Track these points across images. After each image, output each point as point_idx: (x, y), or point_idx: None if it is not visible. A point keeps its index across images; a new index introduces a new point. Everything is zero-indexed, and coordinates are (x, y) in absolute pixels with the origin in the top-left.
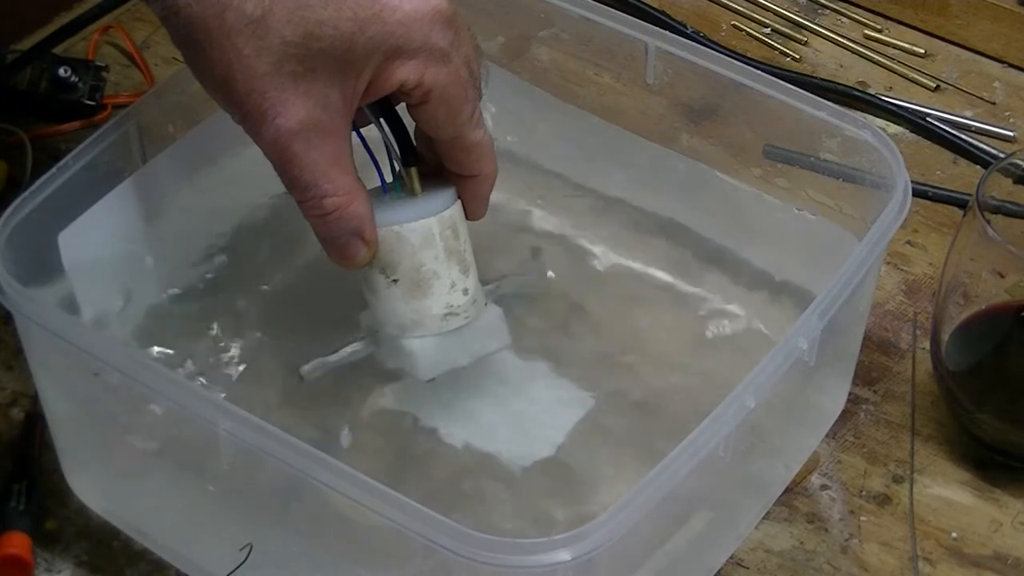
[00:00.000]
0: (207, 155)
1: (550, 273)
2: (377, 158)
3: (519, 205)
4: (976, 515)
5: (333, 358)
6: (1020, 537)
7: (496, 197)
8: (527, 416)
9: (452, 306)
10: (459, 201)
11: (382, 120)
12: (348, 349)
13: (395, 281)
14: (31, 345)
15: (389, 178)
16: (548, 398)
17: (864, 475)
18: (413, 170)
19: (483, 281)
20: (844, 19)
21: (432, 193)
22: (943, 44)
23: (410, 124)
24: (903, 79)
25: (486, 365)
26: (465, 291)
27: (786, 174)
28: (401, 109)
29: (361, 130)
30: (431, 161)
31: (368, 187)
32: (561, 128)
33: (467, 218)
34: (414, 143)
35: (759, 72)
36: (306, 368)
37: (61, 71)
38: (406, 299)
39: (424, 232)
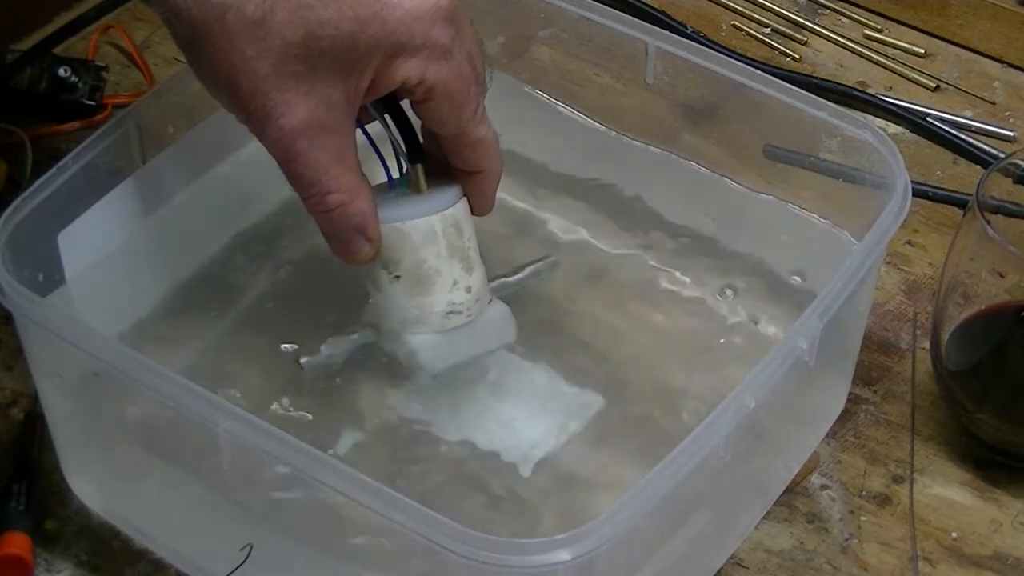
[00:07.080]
0: (207, 155)
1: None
2: (385, 155)
3: (522, 203)
4: (976, 515)
5: (335, 351)
6: (1020, 537)
7: (500, 195)
8: (527, 416)
9: (454, 303)
10: (464, 200)
11: (389, 118)
12: (349, 344)
13: (397, 277)
14: (31, 345)
15: (396, 175)
16: (550, 398)
17: (864, 475)
18: (419, 167)
19: (491, 278)
20: (844, 19)
21: (437, 191)
22: (943, 44)
23: (417, 122)
24: (903, 79)
25: (488, 364)
26: (468, 289)
27: (786, 174)
28: (408, 107)
29: (367, 127)
30: (438, 158)
31: (375, 183)
32: (561, 128)
33: (473, 214)
34: (420, 141)
35: (759, 72)
36: (306, 360)
37: (61, 71)
38: (408, 295)
39: (426, 229)
